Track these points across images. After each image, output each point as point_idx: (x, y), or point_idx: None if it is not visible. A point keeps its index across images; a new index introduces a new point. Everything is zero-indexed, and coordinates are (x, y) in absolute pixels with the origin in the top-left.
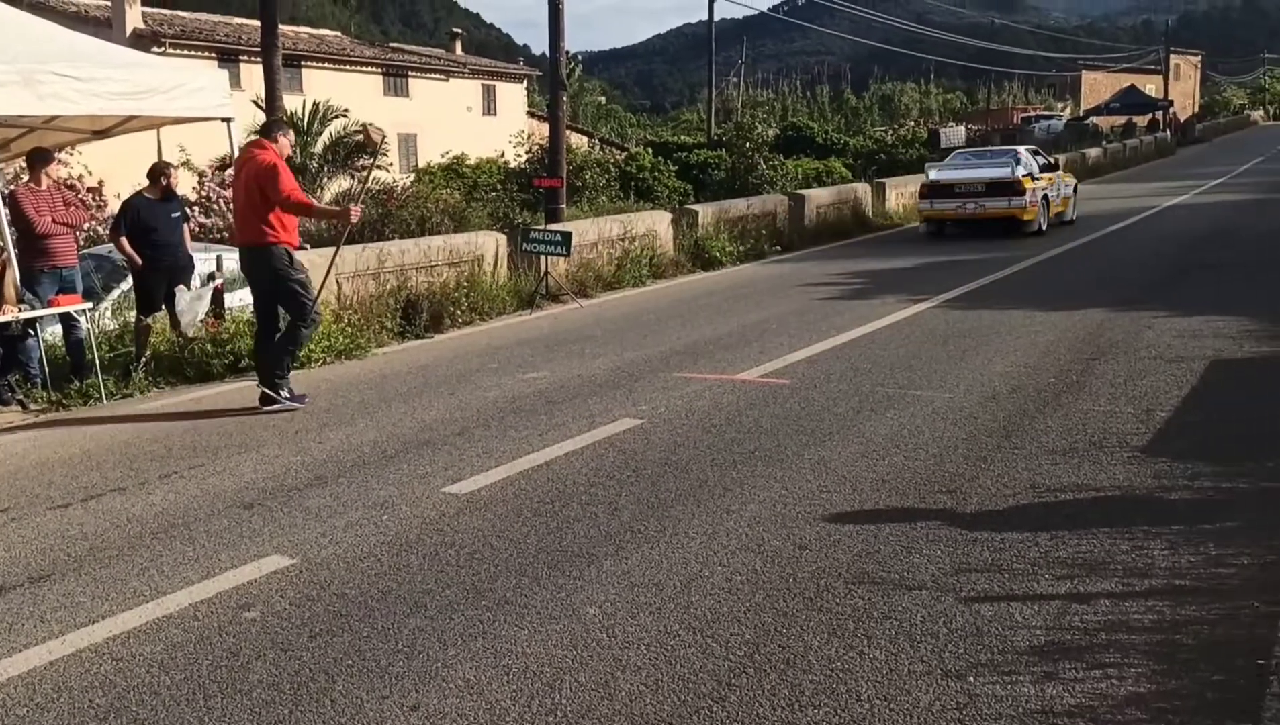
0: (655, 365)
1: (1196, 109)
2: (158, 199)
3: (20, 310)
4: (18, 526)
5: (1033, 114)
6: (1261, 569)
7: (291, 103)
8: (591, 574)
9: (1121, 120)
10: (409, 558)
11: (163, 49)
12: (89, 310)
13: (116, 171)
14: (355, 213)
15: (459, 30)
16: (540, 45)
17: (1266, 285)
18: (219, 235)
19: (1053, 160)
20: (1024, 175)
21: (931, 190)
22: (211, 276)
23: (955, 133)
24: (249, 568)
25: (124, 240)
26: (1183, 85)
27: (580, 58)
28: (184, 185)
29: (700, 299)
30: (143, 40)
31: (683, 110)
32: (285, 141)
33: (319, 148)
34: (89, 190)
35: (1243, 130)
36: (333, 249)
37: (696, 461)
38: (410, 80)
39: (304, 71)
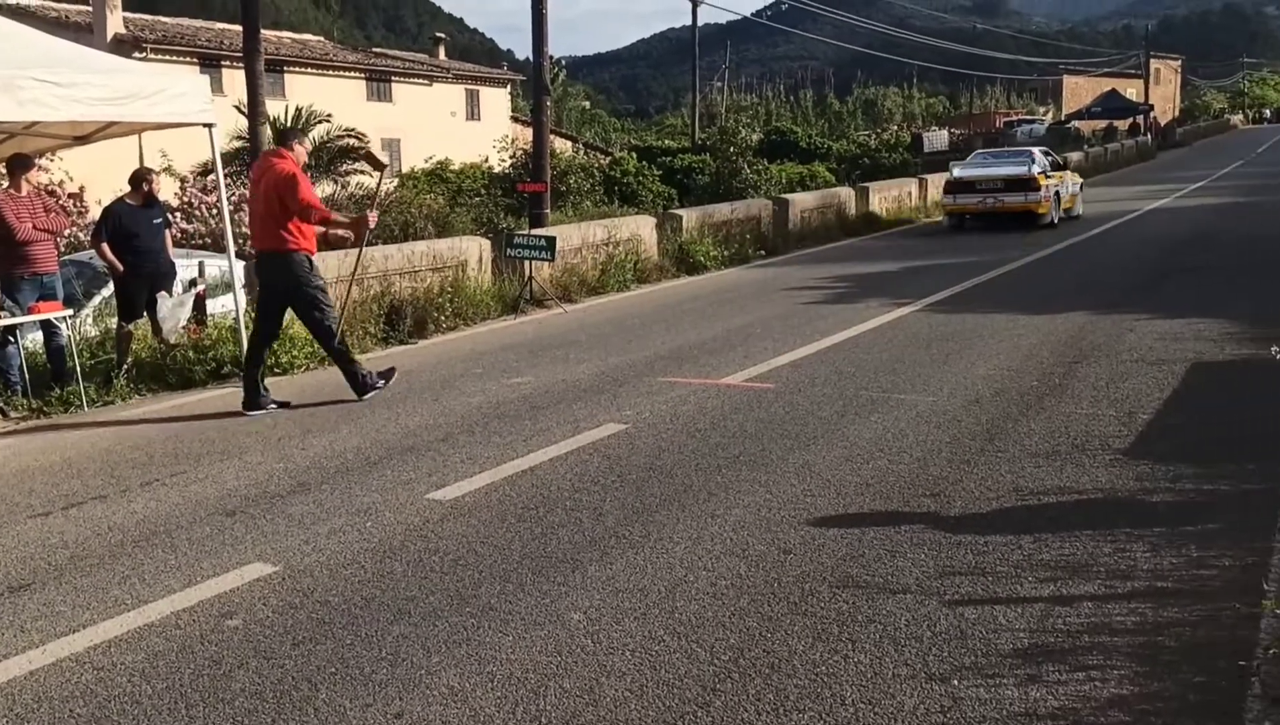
0: (640, 370)
1: (1177, 113)
2: (139, 205)
3: (0, 317)
4: None
5: (1015, 118)
6: (1243, 571)
7: (274, 108)
8: (576, 580)
9: (1103, 124)
10: (393, 564)
11: (144, 54)
12: (70, 317)
13: (98, 177)
14: (372, 220)
15: (442, 35)
16: (524, 50)
17: (1247, 288)
18: (201, 241)
19: (1061, 160)
20: (1039, 173)
21: (954, 186)
22: (193, 283)
23: (938, 137)
24: (231, 575)
25: (105, 246)
26: (1163, 89)
27: (564, 62)
28: (166, 191)
29: (685, 303)
30: (124, 45)
31: (667, 115)
32: (301, 149)
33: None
34: (70, 196)
35: (1222, 134)
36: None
37: (681, 466)
38: (394, 85)
39: (287, 76)
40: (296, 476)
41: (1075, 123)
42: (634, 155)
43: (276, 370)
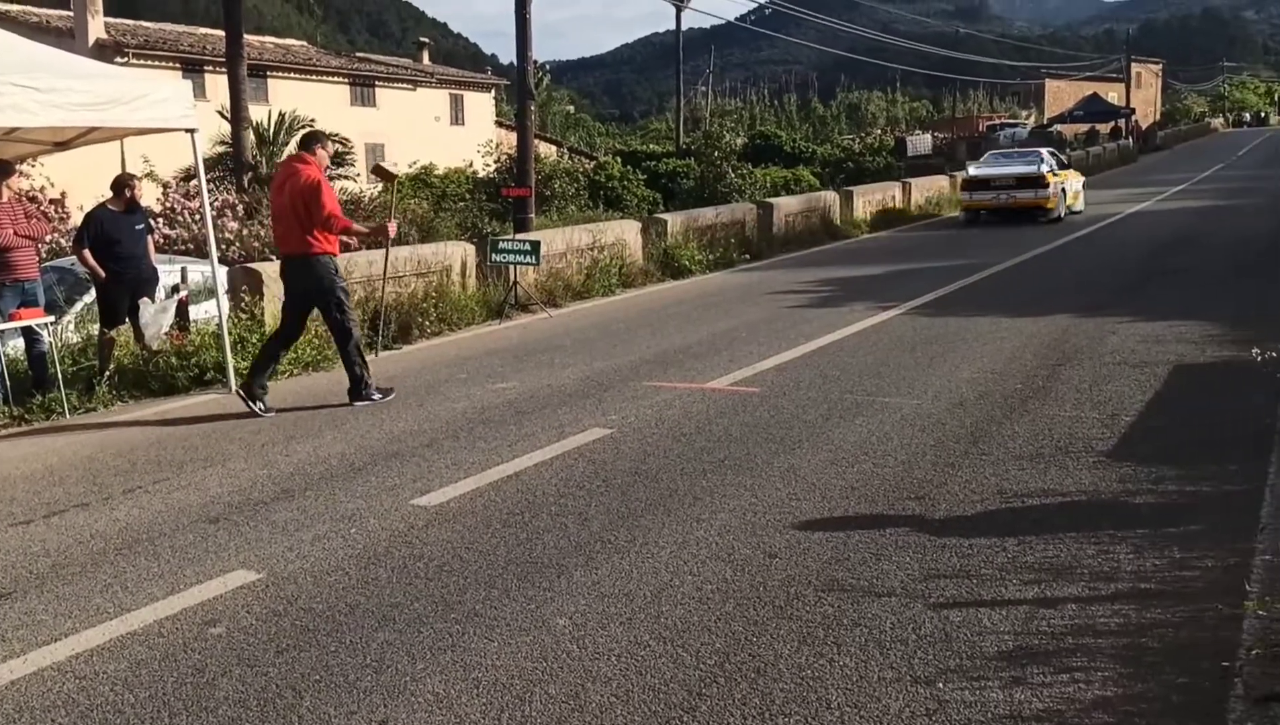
0: (625, 374)
1: (1158, 116)
2: (121, 211)
3: None
4: None
5: (998, 122)
6: (1225, 572)
7: (257, 113)
8: (561, 585)
9: (1085, 128)
10: (377, 571)
11: (126, 59)
12: (51, 323)
13: (79, 183)
14: (392, 229)
15: (426, 40)
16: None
17: (1228, 291)
18: (184, 247)
19: (1065, 159)
20: (1047, 171)
21: (971, 184)
22: (176, 289)
23: (922, 141)
24: (215, 583)
25: (87, 253)
26: (1144, 93)
27: (548, 67)
28: (148, 197)
29: (670, 308)
30: (105, 51)
31: (651, 119)
32: (324, 153)
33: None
34: (51, 202)
35: (1203, 137)
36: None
37: (666, 471)
38: (377, 90)
39: (270, 81)
40: (280, 483)
41: (1057, 126)
42: (618, 160)
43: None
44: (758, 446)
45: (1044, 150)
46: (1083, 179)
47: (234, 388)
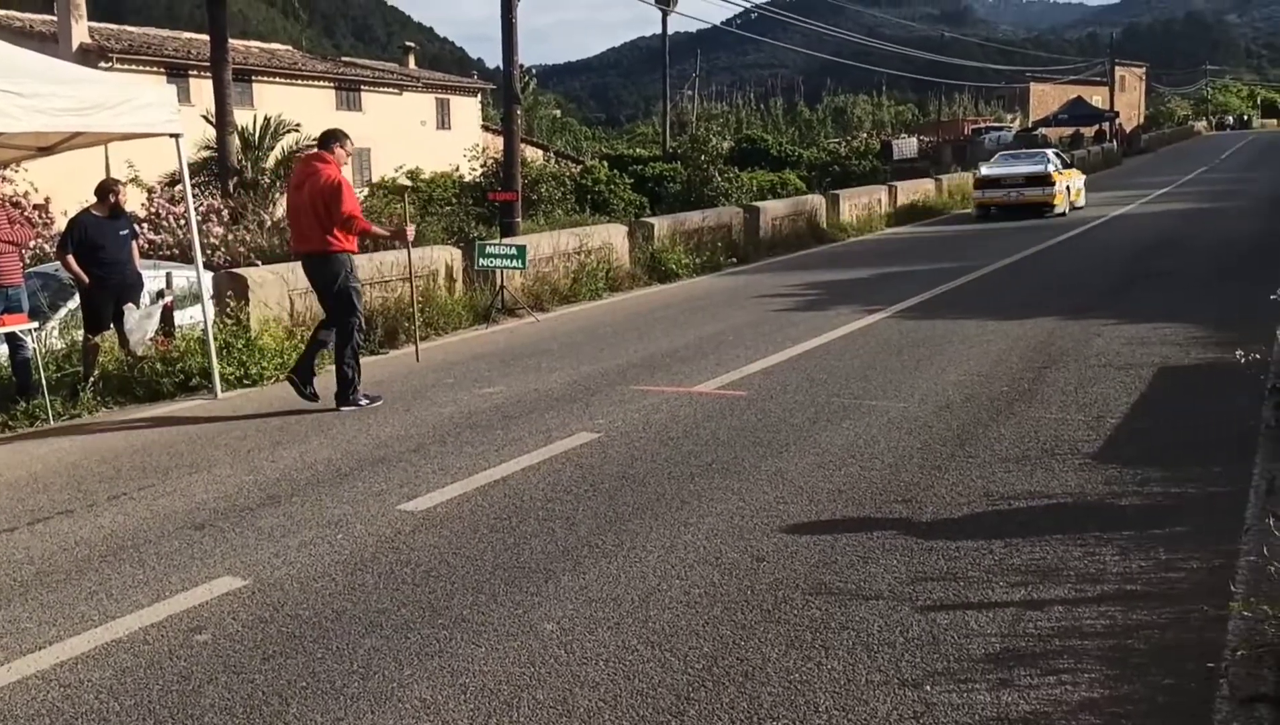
0: (612, 378)
1: (1142, 120)
2: (105, 216)
3: None
4: None
5: (983, 125)
6: (1210, 573)
7: (243, 117)
8: (549, 590)
9: (1069, 131)
10: (364, 577)
11: (110, 64)
12: (35, 329)
13: (63, 188)
14: (410, 232)
15: (412, 44)
16: (494, 59)
17: (1212, 293)
18: (169, 252)
19: (1068, 158)
20: (1053, 170)
21: (983, 182)
22: (161, 294)
23: (907, 144)
24: (200, 590)
25: (71, 258)
26: (1128, 96)
27: (535, 71)
28: (133, 202)
29: (657, 311)
30: (89, 55)
31: (638, 123)
32: (343, 151)
33: (270, 163)
34: (35, 208)
35: (1186, 141)
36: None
37: (654, 475)
38: (363, 94)
39: (255, 86)
40: (266, 489)
41: (1042, 130)
42: (605, 163)
43: (246, 382)
44: (745, 450)
45: (1049, 151)
46: (1084, 177)
47: (216, 389)
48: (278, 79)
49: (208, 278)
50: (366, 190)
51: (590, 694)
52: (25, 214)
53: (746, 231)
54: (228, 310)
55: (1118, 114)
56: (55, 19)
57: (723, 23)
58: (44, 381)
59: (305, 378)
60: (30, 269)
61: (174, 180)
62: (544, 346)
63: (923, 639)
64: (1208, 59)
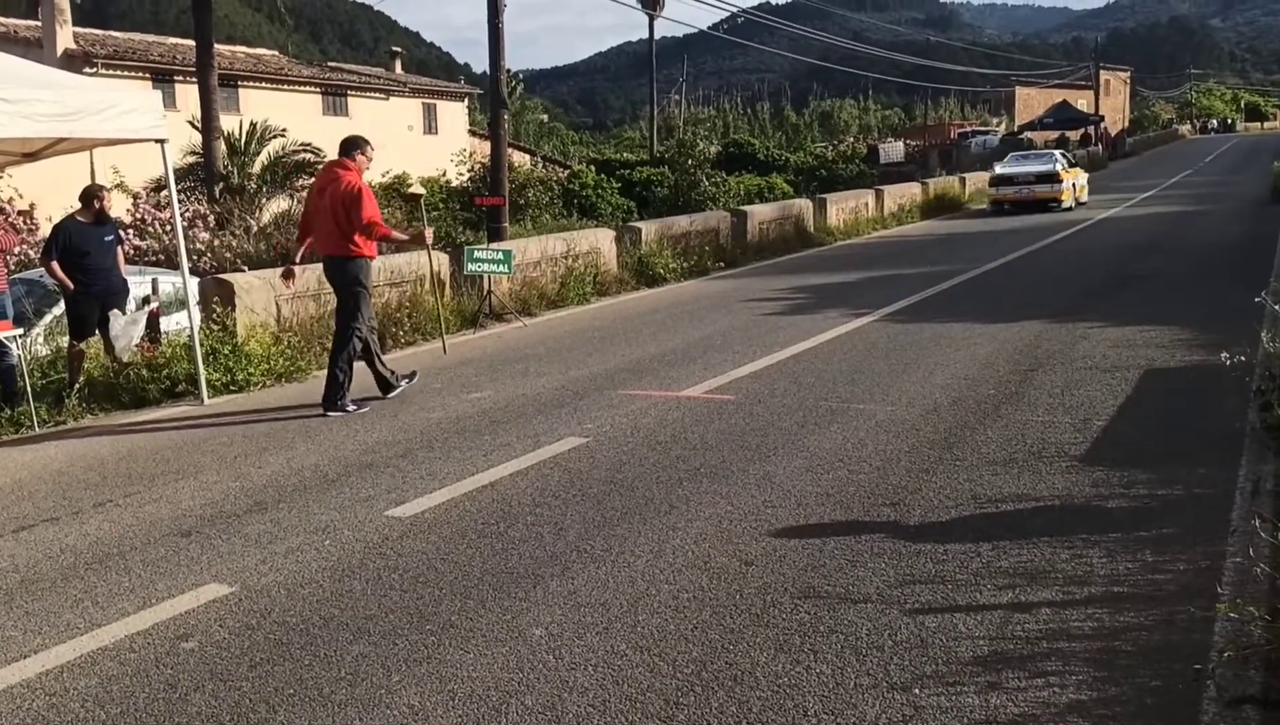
0: (600, 383)
1: (1127, 123)
2: (90, 222)
3: None
4: None
5: (969, 129)
6: (1197, 575)
7: (229, 123)
8: (537, 595)
9: (1055, 135)
10: (351, 583)
11: (95, 69)
12: (20, 336)
13: (48, 195)
14: (428, 235)
15: (399, 49)
16: (481, 64)
17: (1198, 296)
18: (155, 258)
19: (1073, 157)
20: (1061, 169)
21: (998, 181)
22: (147, 300)
23: (894, 148)
24: (187, 597)
25: (55, 264)
26: (1113, 100)
27: (522, 76)
28: (118, 207)
29: (645, 316)
30: (74, 61)
31: (625, 128)
32: (364, 158)
33: (257, 168)
34: (19, 214)
35: (1171, 144)
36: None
37: (642, 479)
38: (350, 99)
39: (241, 91)
40: (253, 495)
41: (1028, 134)
42: (592, 168)
43: (232, 388)
44: (733, 454)
45: (1057, 152)
46: (1086, 175)
47: (202, 395)
48: (264, 84)
49: (194, 283)
50: None
51: (579, 699)
52: (10, 220)
53: (734, 236)
54: (214, 316)
55: (1103, 118)
56: (40, 24)
57: (709, 27)
58: (29, 388)
59: (385, 385)
60: (15, 275)
61: (160, 186)
62: (532, 351)
63: (911, 642)
64: (1191, 63)
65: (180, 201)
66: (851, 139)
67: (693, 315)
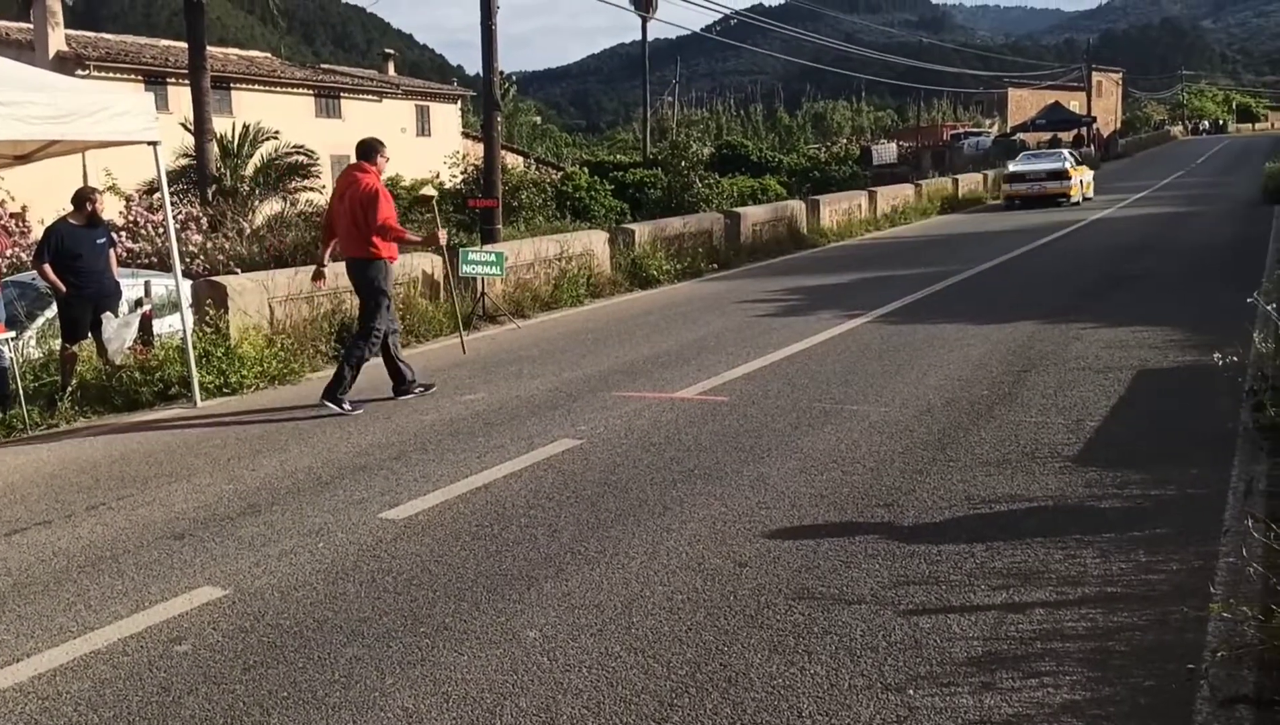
0: (594, 385)
1: (1119, 124)
2: (83, 225)
3: None
4: None
5: (961, 130)
6: (1190, 575)
7: (221, 125)
8: (531, 597)
9: (1047, 136)
10: (345, 585)
11: (87, 72)
12: (12, 339)
13: (40, 197)
14: (442, 237)
15: (392, 51)
16: (474, 66)
17: (1190, 296)
18: (147, 261)
19: (1080, 157)
20: (1069, 167)
21: (1011, 178)
22: (139, 303)
23: (887, 150)
24: (180, 600)
25: (48, 267)
26: (1105, 101)
27: (515, 78)
28: (111, 210)
29: (638, 318)
30: (66, 63)
31: (618, 129)
32: (383, 160)
33: (250, 170)
34: (11, 217)
35: (1163, 145)
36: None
37: (636, 481)
38: (343, 101)
39: (234, 93)
40: (246, 498)
41: (1020, 135)
42: (586, 170)
43: (225, 390)
44: (727, 455)
45: (1065, 151)
46: (1092, 172)
47: (195, 398)
48: (256, 86)
49: (186, 286)
50: None
51: (573, 701)
52: (2, 223)
53: (727, 237)
54: (207, 318)
55: (1095, 119)
56: (32, 27)
57: (702, 29)
58: (21, 391)
59: (399, 381)
60: (7, 278)
61: (152, 188)
62: (525, 353)
63: (905, 643)
64: (1183, 64)
65: (173, 204)
66: (844, 140)
67: (686, 317)
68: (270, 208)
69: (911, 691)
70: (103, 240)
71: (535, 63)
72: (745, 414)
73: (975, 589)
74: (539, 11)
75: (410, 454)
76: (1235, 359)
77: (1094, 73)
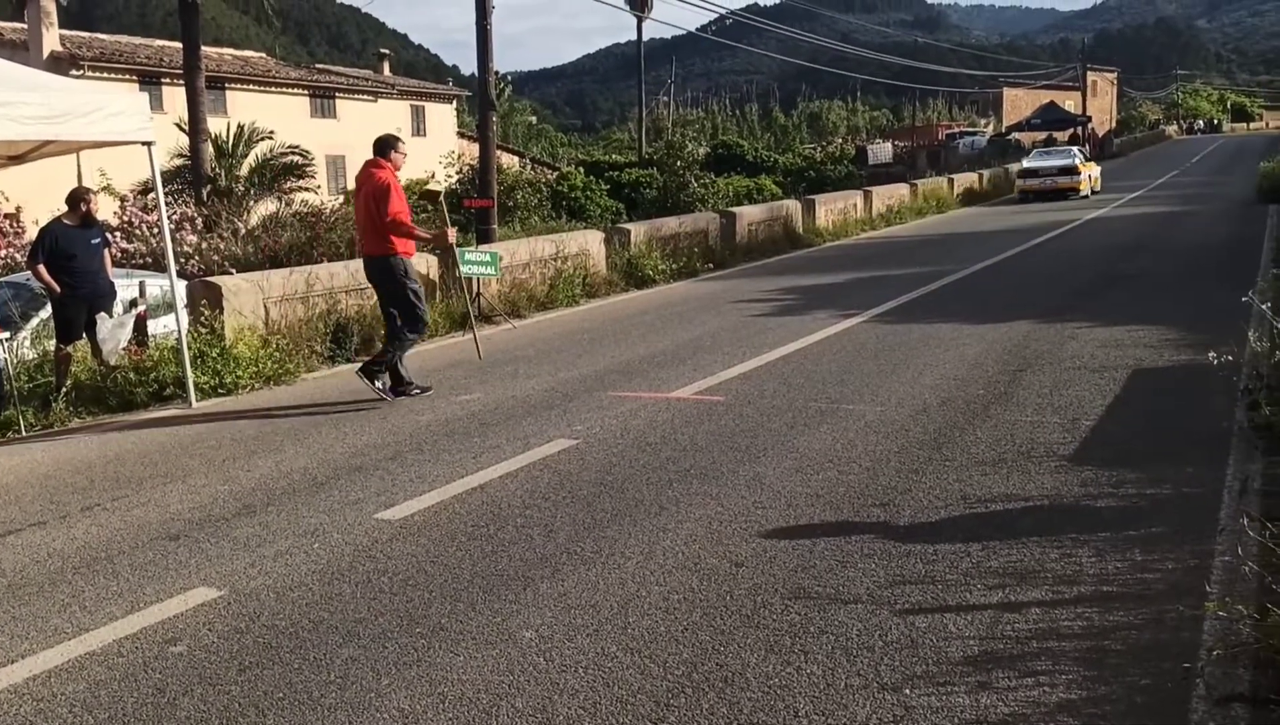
0: (590, 385)
1: (1114, 124)
2: (77, 225)
3: None
4: None
5: (957, 130)
6: (1185, 573)
7: (216, 125)
8: (527, 597)
9: (1042, 136)
10: (341, 586)
11: (82, 72)
12: (7, 339)
13: (34, 198)
14: (451, 236)
15: (387, 51)
16: (469, 66)
17: (1185, 295)
18: (142, 261)
19: (1088, 154)
20: (1079, 163)
21: (1025, 174)
22: (134, 303)
23: (882, 149)
24: (175, 601)
25: (42, 268)
26: (1100, 101)
27: (510, 78)
28: (105, 210)
29: (634, 317)
30: (61, 63)
31: (614, 129)
32: (399, 156)
33: (244, 170)
34: (5, 217)
35: (1158, 145)
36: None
37: (632, 481)
38: (338, 101)
39: (228, 93)
40: (242, 498)
41: (1016, 135)
42: (581, 170)
43: (220, 391)
44: (723, 455)
45: (1074, 149)
46: (1099, 168)
47: (190, 398)
48: (251, 86)
49: (181, 286)
50: (341, 198)
51: (569, 701)
52: None
53: (723, 237)
54: (202, 319)
55: (1090, 118)
56: (26, 27)
57: (698, 29)
58: (15, 392)
59: (397, 381)
60: (1, 279)
61: (147, 188)
62: (521, 353)
63: (901, 642)
64: (1178, 64)
65: (167, 204)
66: (840, 140)
67: (682, 316)
68: (265, 208)
69: (908, 691)
70: (97, 240)
71: (530, 62)
72: (741, 414)
73: (971, 588)
74: (534, 11)
75: (406, 454)
76: (1230, 358)
77: (1089, 72)
